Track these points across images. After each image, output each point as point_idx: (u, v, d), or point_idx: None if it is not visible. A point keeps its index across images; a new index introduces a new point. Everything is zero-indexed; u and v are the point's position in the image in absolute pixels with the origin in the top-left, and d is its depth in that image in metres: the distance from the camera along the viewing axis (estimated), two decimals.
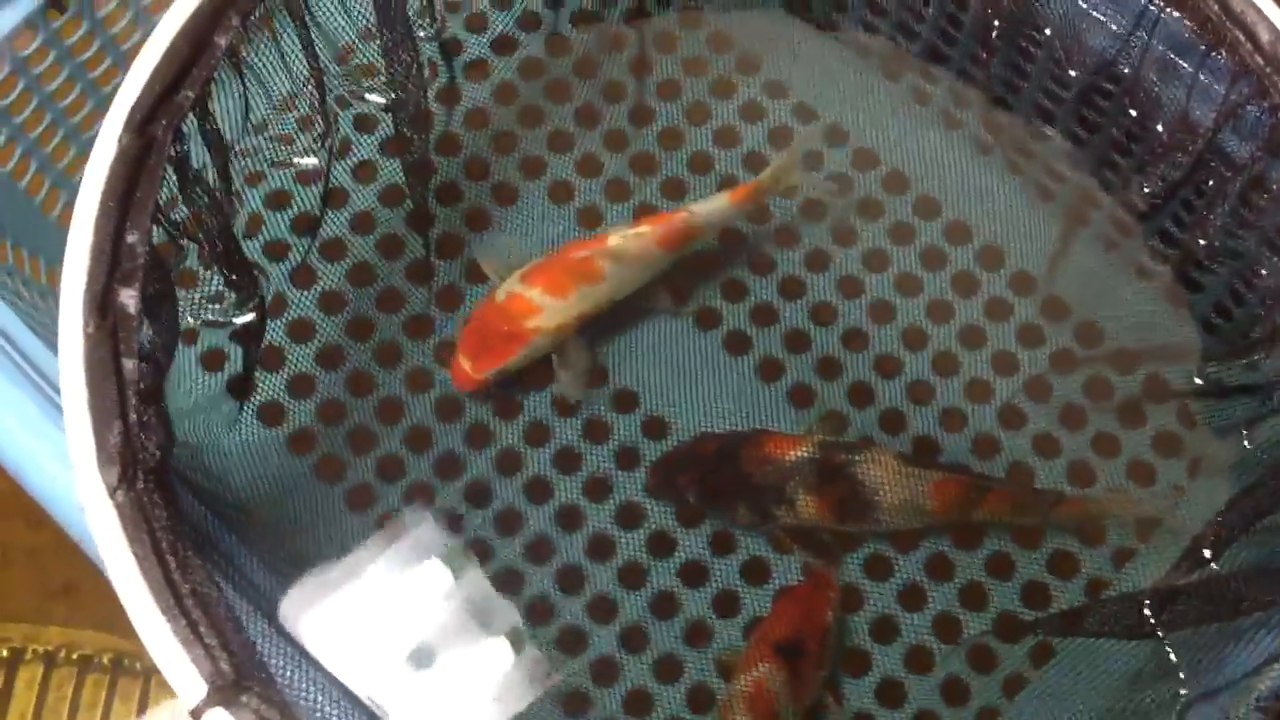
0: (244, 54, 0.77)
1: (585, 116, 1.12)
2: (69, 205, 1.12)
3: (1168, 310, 0.99)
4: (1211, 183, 0.86)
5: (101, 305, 0.67)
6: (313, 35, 0.84)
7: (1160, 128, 0.88)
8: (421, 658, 0.95)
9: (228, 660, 0.65)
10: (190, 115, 0.73)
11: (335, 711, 0.74)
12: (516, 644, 0.96)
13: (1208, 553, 0.84)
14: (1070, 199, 1.02)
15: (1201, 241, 0.89)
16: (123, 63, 1.10)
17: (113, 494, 0.64)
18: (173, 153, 0.72)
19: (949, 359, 1.04)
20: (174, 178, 0.73)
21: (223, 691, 0.64)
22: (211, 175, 0.77)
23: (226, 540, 0.83)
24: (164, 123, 0.71)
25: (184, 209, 0.76)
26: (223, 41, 0.74)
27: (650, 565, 0.99)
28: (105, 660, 1.23)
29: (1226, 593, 0.78)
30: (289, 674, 0.72)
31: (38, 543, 1.27)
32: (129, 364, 0.67)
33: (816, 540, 0.98)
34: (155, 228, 0.70)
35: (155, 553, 0.64)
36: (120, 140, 0.70)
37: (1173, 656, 0.79)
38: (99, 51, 1.08)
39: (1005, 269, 1.06)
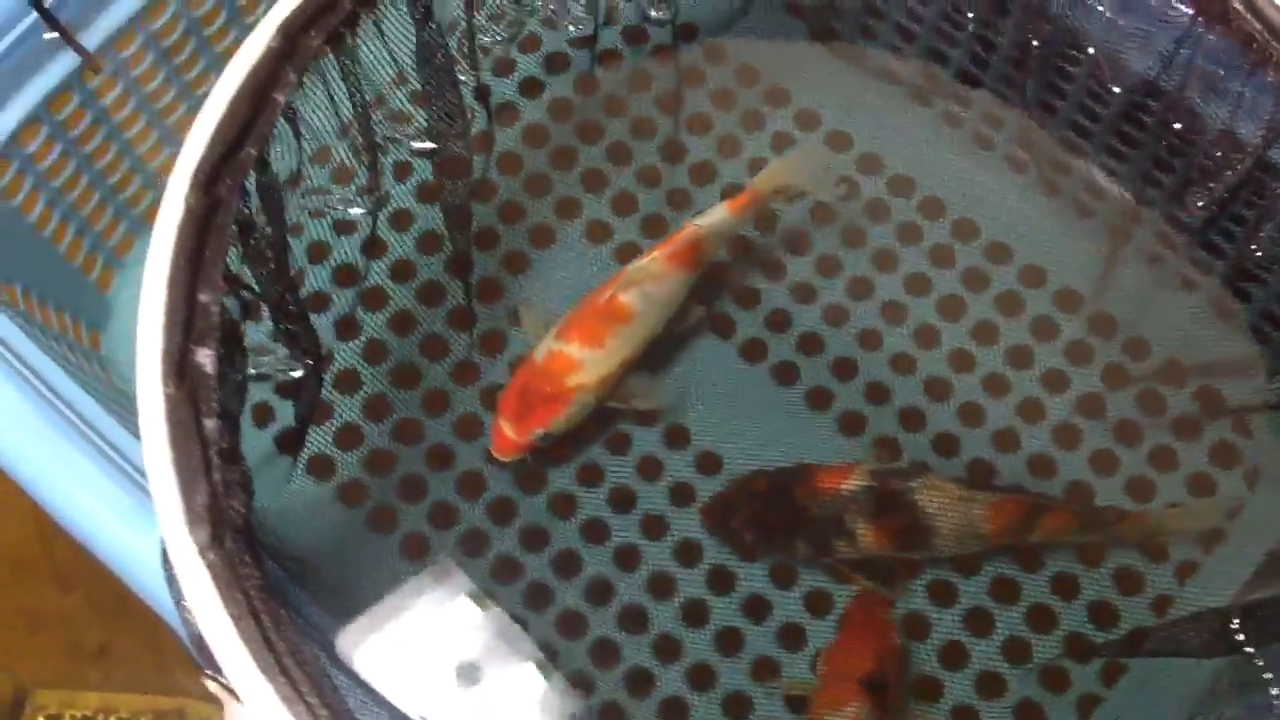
0: (298, 105, 0.77)
1: (617, 154, 1.12)
2: (108, 266, 1.13)
3: (1220, 324, 0.99)
4: (1263, 197, 0.86)
5: (179, 366, 0.66)
6: (361, 84, 0.83)
7: (1206, 144, 0.88)
8: (487, 705, 0.94)
9: (329, 717, 0.64)
10: (252, 171, 0.72)
11: None
12: (582, 689, 0.96)
13: None
14: (1110, 215, 1.03)
15: (1257, 252, 0.89)
16: (157, 122, 1.11)
17: (204, 554, 0.64)
18: (237, 209, 0.72)
19: (999, 380, 1.04)
20: (237, 234, 0.73)
21: None
22: (270, 229, 0.77)
23: (294, 594, 0.83)
24: (228, 181, 0.71)
25: (248, 264, 0.75)
26: (281, 98, 0.74)
27: (712, 601, 0.99)
28: None
29: None
30: None
31: (68, 606, 1.27)
32: (209, 423, 0.66)
33: (879, 567, 0.98)
34: (225, 285, 0.70)
35: (251, 612, 0.63)
36: (187, 200, 0.70)
37: (1263, 668, 0.79)
38: (134, 112, 1.08)
39: (1048, 287, 1.06)
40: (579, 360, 0.98)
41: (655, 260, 1.01)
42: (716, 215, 1.02)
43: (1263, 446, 0.98)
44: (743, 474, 1.01)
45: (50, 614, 1.27)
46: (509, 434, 0.98)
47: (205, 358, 0.68)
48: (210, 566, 0.64)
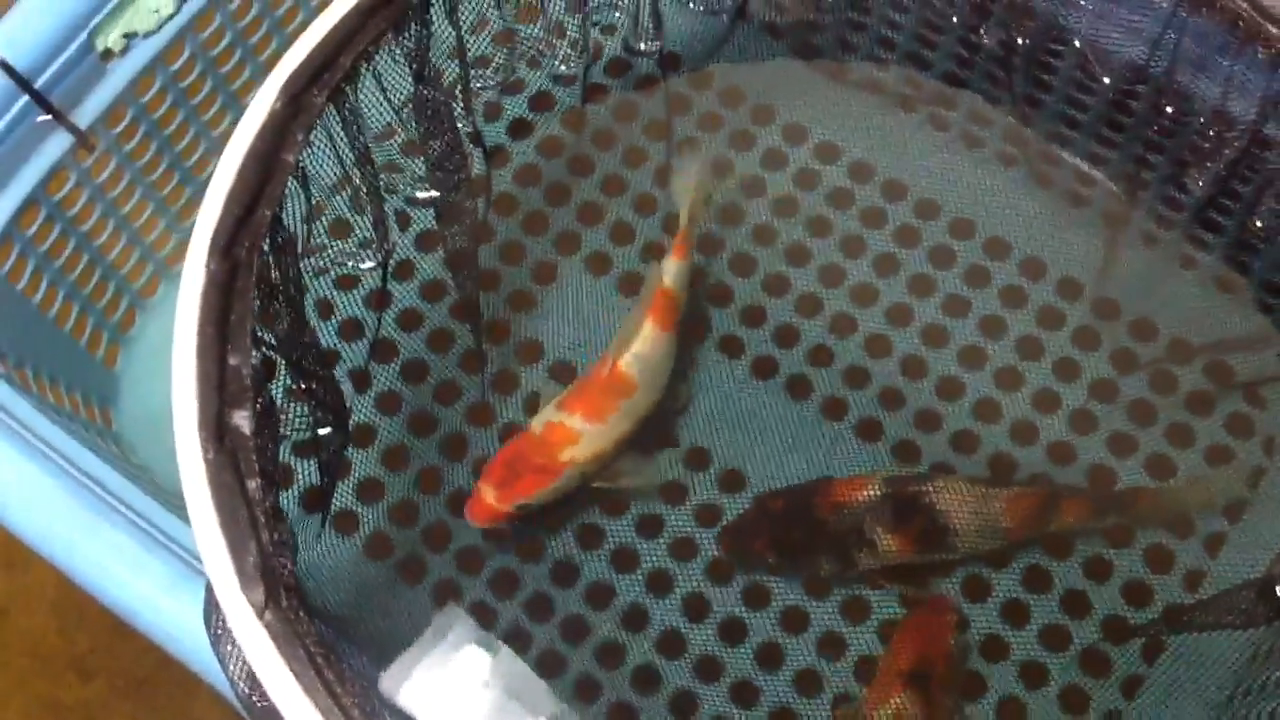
0: (307, 165, 0.78)
1: (611, 186, 1.13)
2: (113, 343, 1.13)
3: (1224, 299, 1.00)
4: (1260, 171, 0.87)
5: (217, 430, 0.67)
6: (364, 137, 0.84)
7: (1199, 124, 0.89)
8: None
9: None
10: (268, 233, 0.73)
11: None
12: (625, 715, 0.96)
13: None
14: (1105, 202, 1.04)
15: (1258, 224, 0.90)
16: (152, 195, 1.11)
17: (261, 615, 0.64)
18: (257, 271, 0.72)
19: (1011, 373, 1.05)
20: (258, 295, 0.73)
21: None
22: (287, 285, 0.78)
23: (345, 649, 0.83)
24: (247, 244, 0.72)
25: (268, 324, 0.76)
26: (290, 158, 0.75)
27: (749, 617, 0.99)
28: None
29: None
30: None
31: (89, 695, 1.27)
32: (252, 484, 0.67)
33: (906, 572, 0.99)
34: (253, 348, 0.70)
35: (314, 668, 0.63)
36: (208, 266, 0.70)
37: None
38: (129, 186, 1.08)
39: (1049, 277, 1.07)
40: (578, 433, 0.98)
41: (645, 326, 1.00)
42: (674, 269, 1.02)
43: (1277, 415, 0.99)
44: (758, 496, 1.01)
45: (73, 704, 1.27)
46: (489, 500, 0.97)
47: (242, 419, 0.68)
48: (268, 626, 0.64)
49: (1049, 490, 0.98)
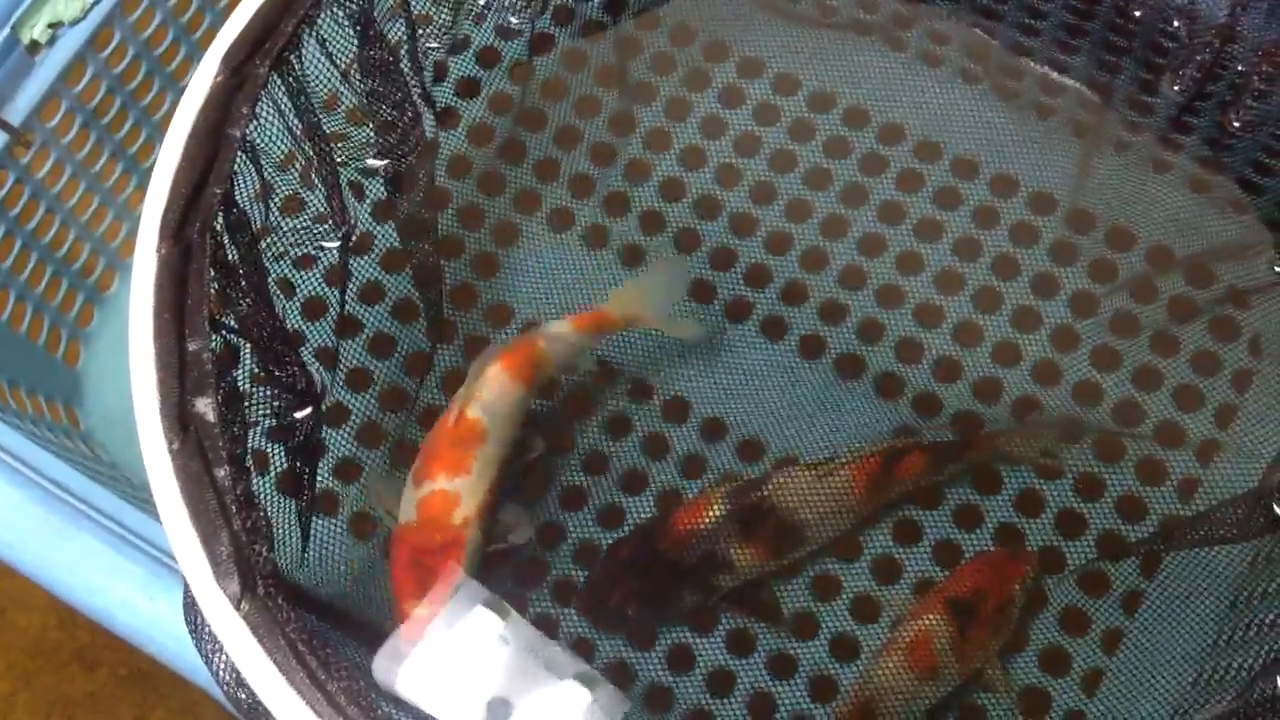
0: (254, 138, 0.75)
1: (566, 138, 1.11)
2: (73, 340, 1.11)
3: (1208, 204, 0.98)
4: (1229, 69, 0.85)
5: (181, 419, 0.65)
6: (313, 107, 0.81)
7: (1170, 28, 0.87)
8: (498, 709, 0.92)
9: None
10: (219, 211, 0.70)
11: None
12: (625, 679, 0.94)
13: None
14: (1073, 111, 1.02)
15: (1235, 124, 0.88)
16: (96, 186, 1.08)
17: (238, 606, 0.62)
18: (211, 252, 0.70)
19: (990, 294, 1.03)
20: (213, 276, 0.70)
21: None
22: (246, 266, 0.75)
23: (333, 636, 0.80)
24: (198, 225, 0.69)
25: (227, 305, 0.73)
26: (236, 132, 0.72)
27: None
28: None
29: None
30: None
31: (95, 686, 1.26)
32: (221, 472, 0.64)
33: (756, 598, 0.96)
34: (212, 331, 0.68)
35: (296, 657, 0.61)
36: (159, 251, 0.68)
37: None
38: (71, 180, 1.06)
39: (1021, 193, 1.05)
40: (455, 492, 0.90)
41: (495, 371, 0.94)
42: (558, 329, 0.97)
43: (1260, 315, 0.98)
44: (607, 550, 0.97)
45: (79, 697, 1.25)
46: (422, 614, 0.85)
47: (206, 406, 0.66)
48: (246, 618, 0.62)
49: (882, 451, 0.95)
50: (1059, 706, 0.92)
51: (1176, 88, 0.89)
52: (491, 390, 0.94)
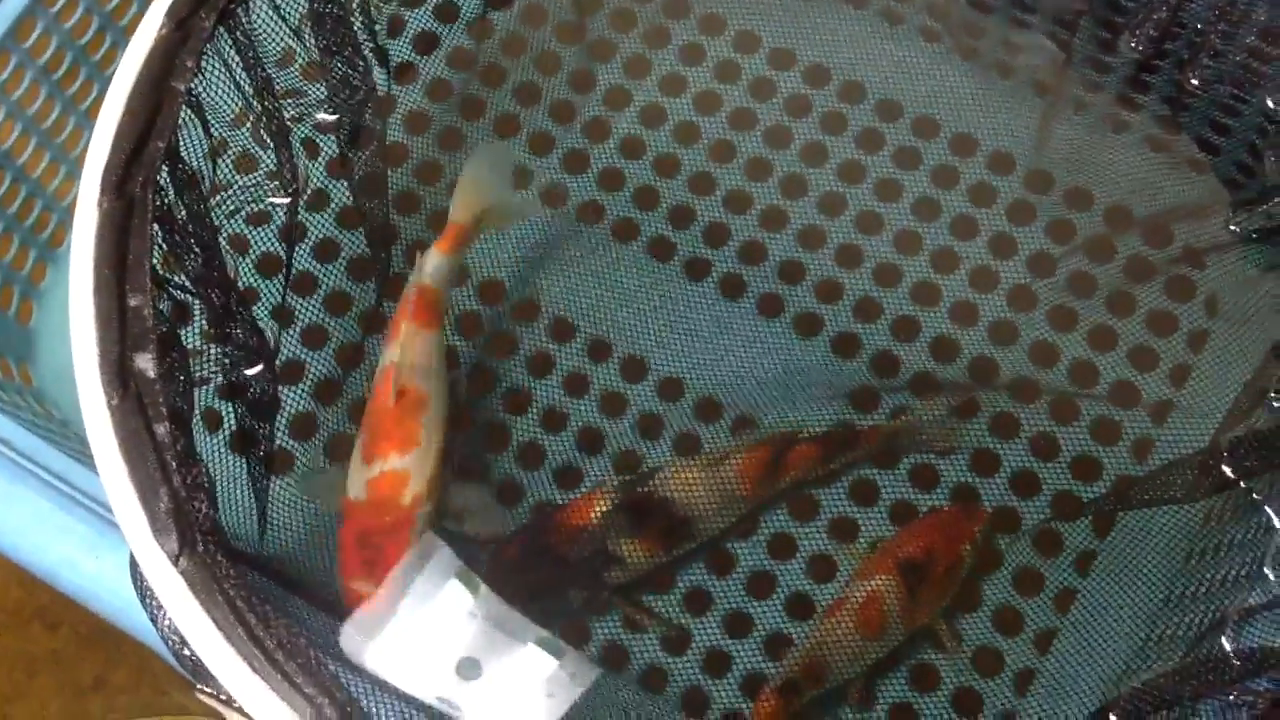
0: (200, 93, 0.74)
1: (526, 96, 1.10)
2: (25, 298, 1.10)
3: (1167, 164, 0.98)
4: (1187, 26, 0.85)
5: (120, 375, 0.64)
6: (261, 62, 0.80)
7: None
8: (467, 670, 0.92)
9: (330, 705, 0.62)
10: (163, 166, 0.69)
11: None
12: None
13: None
14: (1033, 71, 1.01)
15: (1194, 81, 0.88)
16: (47, 142, 1.07)
17: (176, 562, 0.61)
18: (154, 206, 0.69)
19: (948, 254, 1.03)
20: (159, 232, 0.70)
21: None
22: (192, 222, 0.74)
23: (281, 596, 0.80)
24: (141, 179, 0.68)
25: (175, 262, 0.72)
26: (181, 86, 0.71)
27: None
28: None
29: None
30: (383, 712, 0.70)
31: (57, 644, 1.26)
32: (160, 428, 0.64)
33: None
34: (154, 286, 0.67)
35: (234, 613, 0.61)
36: (100, 205, 0.67)
37: (1255, 495, 0.79)
38: (21, 136, 1.04)
39: (980, 153, 1.05)
40: (405, 470, 0.89)
41: (408, 333, 0.93)
42: (434, 263, 0.94)
43: (1216, 274, 0.98)
44: (493, 550, 0.95)
45: (42, 655, 1.25)
46: (367, 593, 0.85)
47: (146, 362, 0.65)
48: (184, 574, 0.61)
49: (772, 443, 0.95)
50: (1011, 665, 0.93)
51: (1135, 45, 0.88)
52: (413, 350, 0.92)
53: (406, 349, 0.92)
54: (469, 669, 0.88)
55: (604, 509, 0.92)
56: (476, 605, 0.83)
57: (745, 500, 0.94)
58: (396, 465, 0.89)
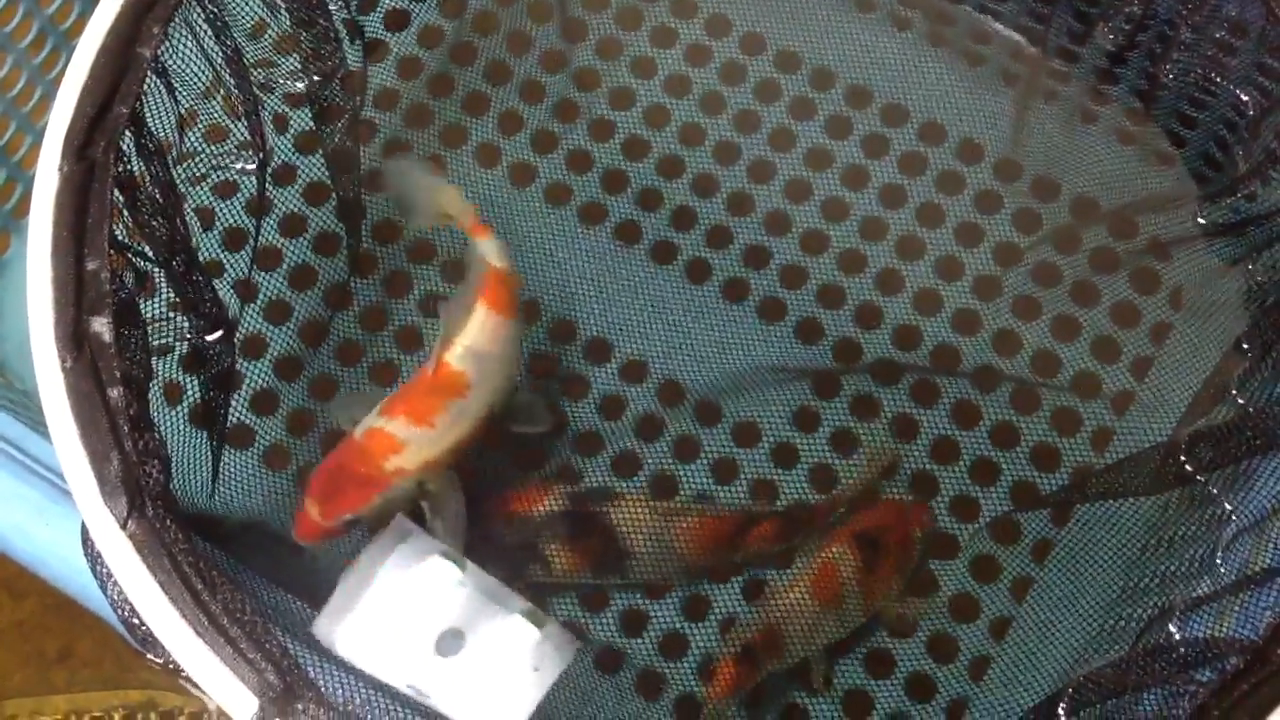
0: (167, 61, 0.74)
1: (496, 74, 1.09)
2: None
3: (1135, 156, 0.98)
4: (1159, 19, 0.85)
5: (75, 338, 0.64)
6: (230, 31, 0.80)
7: None
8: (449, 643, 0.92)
9: (275, 673, 0.62)
10: (127, 132, 0.69)
11: (386, 704, 0.72)
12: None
13: (1232, 390, 0.83)
14: (1003, 59, 1.02)
15: (1164, 75, 0.88)
16: (12, 112, 1.06)
17: (124, 525, 0.61)
18: (116, 172, 0.69)
19: (913, 241, 1.03)
20: (120, 198, 0.70)
21: (277, 703, 0.61)
22: (156, 190, 0.74)
23: (227, 564, 0.80)
24: (102, 144, 0.68)
25: (136, 228, 0.72)
26: (146, 52, 0.71)
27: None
28: (117, 718, 1.19)
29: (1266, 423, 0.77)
30: (328, 681, 0.70)
31: (23, 615, 1.24)
32: (114, 392, 0.64)
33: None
34: (113, 252, 0.67)
35: (180, 577, 0.61)
36: (61, 169, 0.67)
37: (1212, 489, 0.79)
38: None
39: (949, 141, 1.05)
40: (403, 441, 0.86)
41: (478, 313, 0.88)
42: (495, 245, 0.89)
43: (1181, 267, 0.98)
44: None
45: (6, 625, 1.24)
46: (312, 516, 0.87)
47: (102, 326, 0.65)
48: (132, 537, 0.61)
49: (737, 514, 0.94)
50: (966, 652, 0.93)
51: (1109, 37, 0.89)
52: (475, 332, 0.87)
53: (472, 331, 0.87)
54: (452, 640, 0.88)
55: (551, 507, 0.92)
56: (466, 577, 0.83)
57: (689, 559, 0.93)
58: (397, 432, 0.87)
